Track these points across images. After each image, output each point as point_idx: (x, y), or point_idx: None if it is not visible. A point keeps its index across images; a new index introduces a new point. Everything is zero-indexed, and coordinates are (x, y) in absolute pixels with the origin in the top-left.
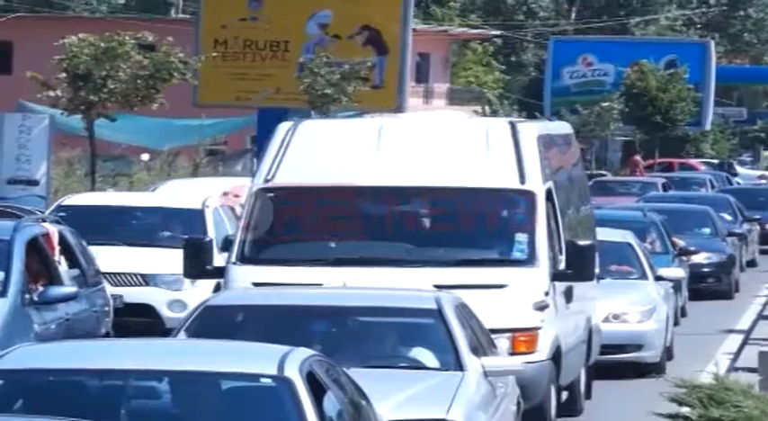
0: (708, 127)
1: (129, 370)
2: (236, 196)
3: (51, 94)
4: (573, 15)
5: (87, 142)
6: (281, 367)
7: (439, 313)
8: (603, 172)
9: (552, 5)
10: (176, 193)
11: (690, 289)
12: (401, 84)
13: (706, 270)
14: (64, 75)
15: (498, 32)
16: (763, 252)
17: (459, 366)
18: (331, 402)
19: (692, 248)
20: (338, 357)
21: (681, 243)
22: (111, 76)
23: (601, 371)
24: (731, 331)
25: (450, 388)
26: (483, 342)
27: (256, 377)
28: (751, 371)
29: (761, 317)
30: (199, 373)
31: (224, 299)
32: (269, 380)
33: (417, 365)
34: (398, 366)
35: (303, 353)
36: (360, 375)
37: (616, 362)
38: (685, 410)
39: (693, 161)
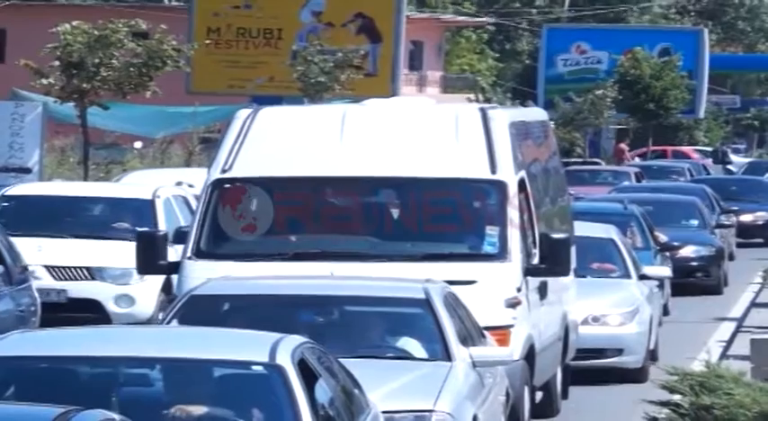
0: (701, 115)
1: (121, 357)
2: (191, 186)
3: (44, 81)
4: (567, 3)
5: (80, 130)
6: (272, 354)
7: (427, 303)
8: (597, 160)
9: None
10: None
11: (676, 284)
12: (394, 71)
13: (694, 264)
14: (57, 62)
15: (492, 20)
16: (739, 245)
17: (447, 356)
18: (323, 389)
19: (675, 243)
20: (325, 347)
21: (663, 237)
22: (104, 63)
23: (580, 376)
24: (724, 319)
25: (437, 378)
26: (471, 332)
27: (248, 364)
28: (743, 358)
29: (753, 304)
30: (190, 361)
31: (210, 288)
32: (260, 368)
33: (405, 355)
34: (386, 356)
35: (295, 340)
36: (347, 365)
37: (595, 368)
38: (677, 398)
39: (687, 149)
